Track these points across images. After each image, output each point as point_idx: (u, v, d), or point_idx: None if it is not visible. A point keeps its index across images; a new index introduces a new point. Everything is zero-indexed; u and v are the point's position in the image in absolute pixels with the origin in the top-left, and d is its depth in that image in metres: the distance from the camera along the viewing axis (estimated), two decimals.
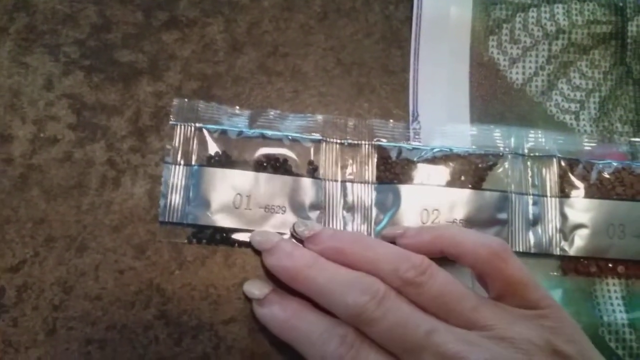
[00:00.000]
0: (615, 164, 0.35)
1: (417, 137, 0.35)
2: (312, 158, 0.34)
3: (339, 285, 0.29)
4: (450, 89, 0.37)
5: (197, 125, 0.34)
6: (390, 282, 0.28)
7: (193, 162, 0.34)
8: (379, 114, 0.36)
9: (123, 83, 0.35)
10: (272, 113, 0.35)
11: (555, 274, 0.33)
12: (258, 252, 0.33)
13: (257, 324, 0.32)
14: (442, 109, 0.36)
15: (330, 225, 0.33)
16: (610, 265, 0.33)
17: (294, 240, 0.33)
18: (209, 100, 0.35)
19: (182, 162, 0.34)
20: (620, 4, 0.38)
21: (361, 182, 0.34)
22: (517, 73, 0.37)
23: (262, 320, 0.31)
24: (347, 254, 0.30)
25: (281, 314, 0.30)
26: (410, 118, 0.36)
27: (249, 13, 0.37)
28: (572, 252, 0.33)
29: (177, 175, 0.33)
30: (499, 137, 0.35)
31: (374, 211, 0.33)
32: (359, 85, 0.37)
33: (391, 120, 0.35)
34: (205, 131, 0.34)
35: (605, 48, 0.38)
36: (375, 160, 0.34)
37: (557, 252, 0.33)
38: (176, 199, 0.33)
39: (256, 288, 0.32)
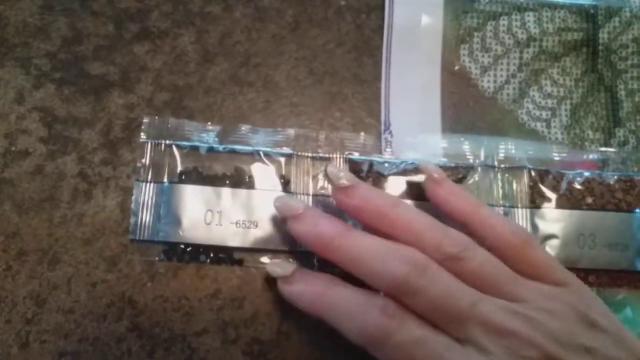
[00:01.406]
0: (585, 173, 0.35)
1: (388, 146, 0.35)
2: (283, 172, 0.34)
3: (378, 255, 0.28)
4: (422, 98, 0.37)
5: (168, 142, 0.34)
6: (430, 255, 0.28)
7: (164, 180, 0.34)
8: (351, 123, 0.36)
9: (94, 95, 0.36)
10: (243, 128, 0.35)
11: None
12: (231, 266, 0.33)
13: (230, 334, 0.32)
14: (413, 118, 0.36)
15: None
16: (581, 275, 0.33)
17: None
18: (181, 112, 0.35)
19: (152, 179, 0.34)
20: (592, 11, 0.39)
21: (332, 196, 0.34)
22: (488, 82, 0.37)
23: (291, 298, 0.30)
24: (392, 219, 0.29)
25: (312, 288, 0.29)
26: (382, 127, 0.36)
27: (221, 24, 0.37)
28: None
29: (147, 193, 0.33)
30: (469, 149, 0.35)
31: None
32: (331, 94, 0.37)
33: (362, 133, 0.35)
34: (175, 148, 0.34)
35: (576, 55, 0.38)
36: None
37: None
38: (147, 216, 0.33)
39: (280, 267, 0.31)
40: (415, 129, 0.36)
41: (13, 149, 0.34)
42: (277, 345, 0.33)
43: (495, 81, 0.37)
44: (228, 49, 0.37)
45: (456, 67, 0.38)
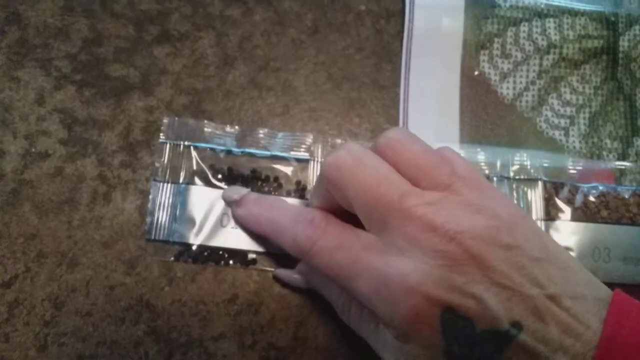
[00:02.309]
0: (600, 187, 0.35)
1: None
2: (299, 177, 0.34)
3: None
4: (441, 104, 0.37)
5: (186, 143, 0.34)
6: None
7: (180, 181, 0.34)
8: (370, 129, 0.36)
9: (114, 98, 0.36)
10: (261, 132, 0.35)
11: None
12: (247, 269, 0.33)
13: (247, 339, 0.33)
14: (432, 123, 0.36)
15: None
16: None
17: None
18: (200, 115, 0.36)
19: (169, 180, 0.34)
20: (612, 19, 0.38)
21: None
22: (507, 88, 0.37)
23: (240, 220, 0.33)
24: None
25: (256, 209, 0.32)
26: None
27: (241, 27, 0.37)
28: None
29: (164, 193, 0.34)
30: (485, 159, 0.35)
31: None
32: (349, 100, 0.37)
33: None
34: (193, 149, 0.34)
35: (596, 63, 0.38)
36: None
37: None
38: (163, 216, 0.33)
39: (234, 192, 0.33)
40: (433, 135, 0.36)
41: (33, 150, 0.34)
42: (294, 351, 0.33)
43: (514, 88, 0.37)
44: (247, 53, 0.37)
45: (476, 73, 0.37)
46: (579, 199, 0.34)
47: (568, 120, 0.37)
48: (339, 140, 0.35)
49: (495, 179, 0.34)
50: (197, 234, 0.33)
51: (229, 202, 0.34)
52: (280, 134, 0.35)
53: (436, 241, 0.24)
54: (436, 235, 0.24)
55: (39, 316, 0.32)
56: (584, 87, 0.37)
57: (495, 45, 0.38)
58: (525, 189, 0.34)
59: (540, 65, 0.38)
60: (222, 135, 0.35)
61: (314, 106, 0.36)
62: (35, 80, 0.36)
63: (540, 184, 0.34)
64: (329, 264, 0.28)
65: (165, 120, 0.35)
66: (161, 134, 0.35)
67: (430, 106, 0.37)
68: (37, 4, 0.37)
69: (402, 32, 0.38)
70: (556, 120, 0.37)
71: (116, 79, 0.36)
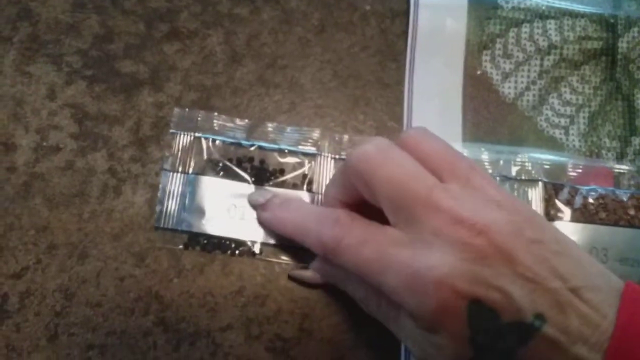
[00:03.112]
0: (599, 190, 0.35)
1: None
2: (306, 171, 0.35)
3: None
4: (444, 102, 0.38)
5: (196, 134, 0.35)
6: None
7: (190, 171, 0.34)
8: (374, 127, 0.37)
9: (124, 93, 0.36)
10: (269, 125, 0.36)
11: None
12: (253, 260, 0.34)
13: (253, 330, 0.33)
14: (435, 121, 0.37)
15: None
16: None
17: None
18: (208, 111, 0.36)
19: (179, 169, 0.35)
20: (612, 21, 0.39)
21: None
22: (509, 87, 0.38)
23: (266, 223, 0.34)
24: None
25: (281, 212, 0.33)
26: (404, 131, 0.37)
27: (249, 25, 0.38)
28: None
29: (174, 182, 0.34)
30: (487, 159, 0.36)
31: None
32: (354, 97, 0.38)
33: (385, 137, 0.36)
34: (203, 141, 0.35)
35: (595, 64, 0.39)
36: None
37: None
38: (172, 205, 0.34)
39: (259, 195, 0.34)
40: (436, 132, 0.37)
41: (44, 144, 0.35)
42: (299, 342, 0.34)
43: (515, 87, 0.38)
44: (255, 51, 0.38)
45: (478, 73, 0.38)
46: (578, 200, 0.35)
47: (568, 120, 0.38)
48: (345, 136, 0.36)
49: (497, 178, 0.35)
50: (205, 224, 0.34)
51: (254, 206, 0.34)
52: (288, 128, 0.36)
53: (463, 234, 0.25)
54: (463, 228, 0.25)
55: (49, 307, 0.33)
56: (583, 87, 0.38)
57: (498, 46, 0.39)
58: (526, 189, 0.35)
59: (541, 65, 0.39)
60: (231, 128, 0.35)
61: (319, 103, 0.37)
62: (46, 76, 0.36)
63: (540, 184, 0.35)
64: (356, 260, 0.28)
65: (175, 111, 0.35)
66: (171, 125, 0.35)
67: (433, 104, 0.37)
68: (49, 0, 0.37)
69: (407, 31, 0.39)
70: (556, 120, 0.38)
71: (126, 75, 0.37)
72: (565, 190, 0.35)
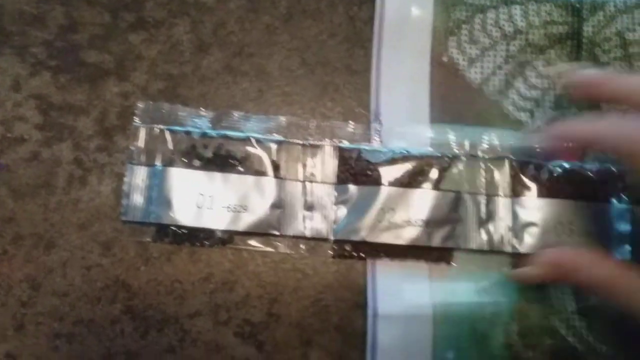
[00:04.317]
0: (565, 164, 0.36)
1: (377, 136, 0.36)
2: (274, 158, 0.35)
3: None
4: (411, 89, 0.38)
5: (161, 126, 0.35)
6: None
7: (156, 163, 0.34)
8: (342, 113, 0.37)
9: (90, 84, 0.36)
10: (235, 114, 0.36)
11: (507, 270, 0.35)
12: (223, 249, 0.34)
13: (221, 316, 0.33)
14: (402, 108, 0.37)
15: (291, 224, 0.34)
16: None
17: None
18: (175, 100, 0.36)
19: (145, 162, 0.34)
20: (577, 5, 0.40)
21: (321, 182, 0.35)
22: (475, 73, 0.38)
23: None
24: None
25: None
26: (372, 117, 0.37)
27: (215, 14, 0.38)
28: (522, 249, 0.34)
29: (140, 176, 0.34)
30: (454, 139, 0.36)
31: (333, 210, 0.34)
32: (322, 84, 0.38)
33: (352, 122, 0.36)
34: (168, 132, 0.35)
35: (561, 48, 0.39)
36: (335, 161, 0.35)
37: (509, 249, 0.35)
38: (139, 198, 0.34)
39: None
40: (404, 119, 0.37)
41: (9, 135, 0.35)
42: (268, 327, 0.34)
43: (482, 72, 0.38)
44: (222, 39, 0.38)
45: (444, 59, 0.38)
46: (544, 175, 0.35)
47: (534, 103, 0.38)
48: (313, 123, 0.36)
49: (464, 158, 0.35)
50: (173, 215, 0.34)
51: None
52: (254, 116, 0.36)
53: None
54: None
55: (16, 297, 0.33)
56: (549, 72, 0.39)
57: (464, 32, 0.39)
58: (493, 167, 0.35)
59: (507, 50, 0.39)
60: (196, 118, 0.35)
61: (287, 91, 0.37)
62: (11, 67, 0.36)
63: (507, 162, 0.35)
64: None
65: (139, 105, 0.35)
66: (136, 118, 0.35)
67: (401, 91, 0.38)
68: None
69: (374, 18, 0.39)
70: (522, 103, 0.38)
71: (91, 65, 0.37)
72: (532, 166, 0.35)
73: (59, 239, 0.34)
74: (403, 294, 0.34)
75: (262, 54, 0.38)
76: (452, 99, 0.38)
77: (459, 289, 0.35)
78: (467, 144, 0.36)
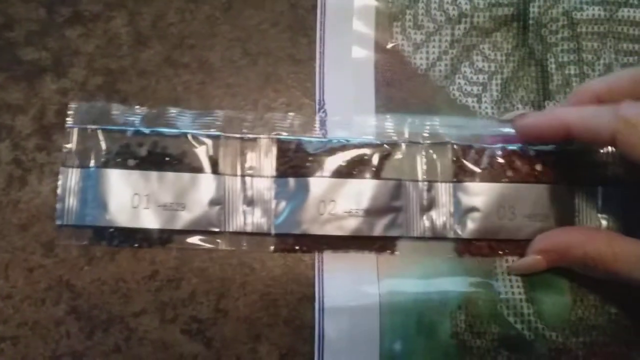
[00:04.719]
0: (507, 147, 0.36)
1: (323, 125, 0.36)
2: (212, 154, 0.35)
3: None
4: (356, 77, 0.37)
5: (94, 127, 0.34)
6: None
7: (90, 165, 0.34)
8: (286, 103, 0.37)
9: (27, 81, 0.36)
10: (172, 111, 0.35)
11: (451, 256, 0.35)
12: (161, 248, 0.34)
13: (168, 314, 0.33)
14: (348, 97, 0.37)
15: (231, 220, 0.34)
16: (502, 245, 0.35)
17: None
18: (114, 95, 0.36)
19: (79, 164, 0.34)
20: None
21: (261, 176, 0.34)
22: (421, 59, 0.38)
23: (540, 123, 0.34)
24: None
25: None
26: (317, 107, 0.37)
27: (154, 5, 0.37)
28: (465, 235, 0.35)
29: (74, 178, 0.34)
30: (395, 127, 0.36)
31: (274, 204, 0.34)
32: (266, 75, 0.37)
33: (291, 113, 0.36)
34: (101, 132, 0.34)
35: (507, 30, 0.39)
36: (274, 153, 0.35)
37: (451, 235, 0.35)
38: (74, 201, 0.34)
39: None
40: (349, 108, 0.37)
41: None
42: (215, 323, 0.34)
43: (427, 58, 0.38)
44: (161, 31, 0.37)
45: (389, 45, 0.38)
46: (485, 160, 0.35)
47: (480, 87, 0.38)
48: (250, 116, 0.36)
49: (404, 145, 0.35)
50: (109, 217, 0.33)
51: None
52: (189, 112, 0.35)
53: None
54: None
55: None
56: (495, 55, 0.38)
57: (407, 17, 0.38)
58: (434, 153, 0.35)
59: (452, 34, 0.38)
60: (131, 116, 0.35)
61: (230, 82, 0.37)
62: None
63: (449, 147, 0.35)
64: None
65: (72, 105, 0.35)
66: (68, 119, 0.35)
67: (345, 79, 0.37)
68: None
69: (317, 6, 0.38)
70: (469, 88, 0.38)
71: (28, 63, 0.36)
72: (473, 151, 0.35)
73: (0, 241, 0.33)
74: (350, 286, 0.34)
75: (203, 45, 0.37)
76: (398, 86, 0.38)
77: (406, 279, 0.35)
78: (406, 132, 0.36)
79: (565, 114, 0.32)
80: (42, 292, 0.33)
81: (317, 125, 0.36)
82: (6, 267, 0.33)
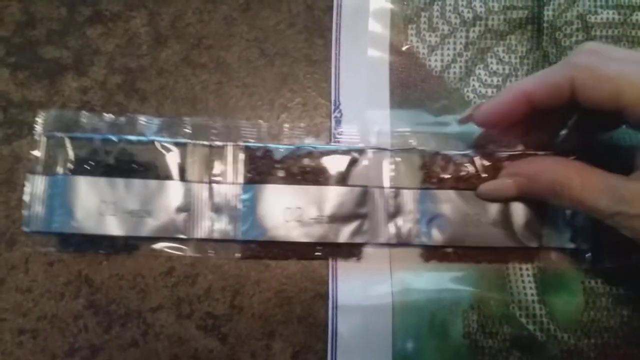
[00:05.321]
0: (474, 154, 0.36)
1: (338, 125, 0.36)
2: (179, 161, 0.35)
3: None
4: (371, 78, 0.38)
5: (61, 135, 0.34)
6: None
7: (58, 172, 0.34)
8: (302, 103, 0.37)
9: (48, 79, 0.36)
10: (141, 118, 0.35)
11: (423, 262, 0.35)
12: (127, 254, 0.34)
13: (184, 309, 0.34)
14: (363, 97, 0.37)
15: (198, 227, 0.34)
16: (469, 252, 0.35)
17: None
18: (133, 94, 0.36)
19: (46, 172, 0.34)
20: None
21: (228, 183, 0.35)
22: (435, 61, 0.38)
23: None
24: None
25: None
26: (332, 107, 0.37)
27: (173, 6, 0.38)
28: (431, 242, 0.35)
29: (41, 185, 0.34)
30: (360, 135, 0.36)
31: (241, 211, 0.34)
32: (282, 75, 0.38)
33: (260, 121, 0.36)
34: (69, 140, 0.34)
35: (521, 33, 0.39)
36: (242, 160, 0.35)
37: (417, 242, 0.35)
38: (41, 208, 0.34)
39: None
40: (363, 108, 0.37)
41: None
42: (230, 319, 0.34)
43: (442, 60, 0.38)
44: (180, 31, 0.38)
45: (404, 47, 0.38)
46: (451, 167, 0.35)
47: (495, 90, 0.38)
48: (219, 123, 0.36)
49: (370, 152, 0.35)
50: (76, 224, 0.33)
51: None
52: (157, 120, 0.35)
53: None
54: None
55: None
56: (510, 57, 0.39)
57: (423, 19, 0.39)
58: (401, 159, 0.35)
59: (467, 37, 0.39)
60: (99, 125, 0.35)
61: (247, 82, 0.37)
62: None
63: (415, 154, 0.35)
64: None
65: (41, 114, 0.35)
66: (36, 127, 0.35)
67: (361, 80, 0.38)
68: None
69: (332, 7, 0.38)
70: (483, 90, 0.38)
71: (50, 61, 0.37)
72: (439, 158, 0.36)
73: (20, 236, 0.34)
74: (363, 285, 0.35)
75: (221, 45, 0.38)
76: (413, 87, 0.38)
77: (419, 279, 0.35)
78: (374, 138, 0.36)
79: (520, 83, 0.31)
80: (61, 286, 0.34)
81: (334, 125, 0.36)
82: (26, 262, 0.34)
